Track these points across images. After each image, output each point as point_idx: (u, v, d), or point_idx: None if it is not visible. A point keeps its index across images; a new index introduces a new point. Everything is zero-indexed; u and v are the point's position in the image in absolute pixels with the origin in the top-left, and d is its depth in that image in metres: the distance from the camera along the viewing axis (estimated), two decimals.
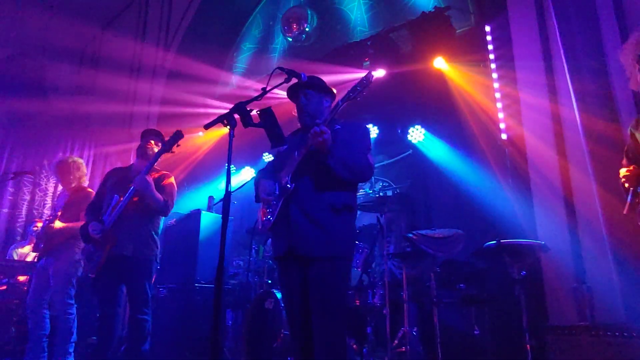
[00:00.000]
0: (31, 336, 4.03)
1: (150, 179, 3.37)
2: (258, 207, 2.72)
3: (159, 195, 3.41)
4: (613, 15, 3.78)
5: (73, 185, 4.31)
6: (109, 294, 3.34)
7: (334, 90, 2.69)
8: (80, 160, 4.47)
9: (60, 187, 7.08)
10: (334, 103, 2.55)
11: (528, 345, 3.10)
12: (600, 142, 3.52)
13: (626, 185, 2.23)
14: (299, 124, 2.71)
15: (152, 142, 3.65)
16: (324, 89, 2.62)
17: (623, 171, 2.25)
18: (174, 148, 3.42)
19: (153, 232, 3.51)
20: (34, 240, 4.26)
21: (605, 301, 3.28)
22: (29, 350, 4.01)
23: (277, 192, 2.46)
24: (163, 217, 3.73)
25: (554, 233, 3.79)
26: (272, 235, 2.56)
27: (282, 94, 6.18)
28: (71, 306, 4.03)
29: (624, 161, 2.38)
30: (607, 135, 3.49)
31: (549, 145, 4.05)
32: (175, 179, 3.73)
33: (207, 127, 2.21)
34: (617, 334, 2.81)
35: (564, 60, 3.98)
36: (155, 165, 3.66)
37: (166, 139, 3.53)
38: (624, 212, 2.25)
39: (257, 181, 2.66)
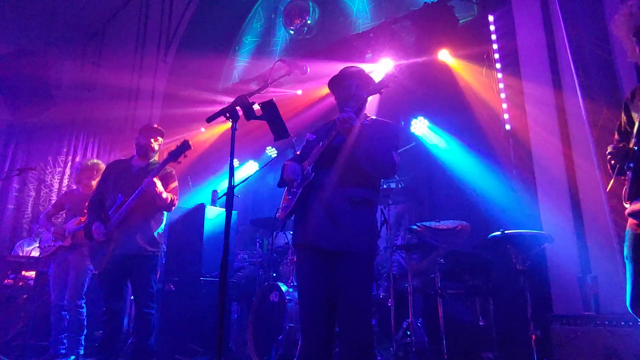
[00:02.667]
0: (53, 333, 4.12)
1: (157, 180, 3.35)
2: (262, 200, 2.73)
3: (166, 195, 3.40)
4: (618, 2, 3.73)
5: (93, 187, 4.33)
6: (115, 289, 3.37)
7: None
8: (102, 164, 4.52)
9: (65, 183, 7.14)
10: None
11: (533, 335, 3.10)
12: (606, 130, 3.50)
13: (612, 162, 2.10)
14: (300, 119, 2.72)
15: (153, 140, 3.61)
16: (369, 81, 2.56)
17: (610, 147, 2.11)
18: (180, 158, 3.37)
19: (157, 229, 3.52)
20: (56, 234, 4.32)
21: (610, 291, 3.27)
22: (52, 344, 4.11)
23: (299, 180, 2.45)
24: (166, 212, 3.74)
25: (559, 223, 3.78)
26: (292, 223, 2.55)
27: (281, 90, 6.22)
28: (82, 300, 4.16)
29: (616, 136, 2.28)
30: (613, 123, 3.46)
31: (553, 136, 4.02)
32: (177, 173, 3.74)
33: (209, 120, 2.21)
34: (622, 323, 2.82)
35: (568, 50, 3.94)
36: (157, 158, 3.68)
37: (171, 141, 3.51)
38: (607, 190, 2.18)
39: (283, 166, 2.65)
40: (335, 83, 2.62)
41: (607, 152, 2.09)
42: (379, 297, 4.05)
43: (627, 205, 2.08)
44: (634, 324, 2.72)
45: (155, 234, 3.50)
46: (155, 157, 3.74)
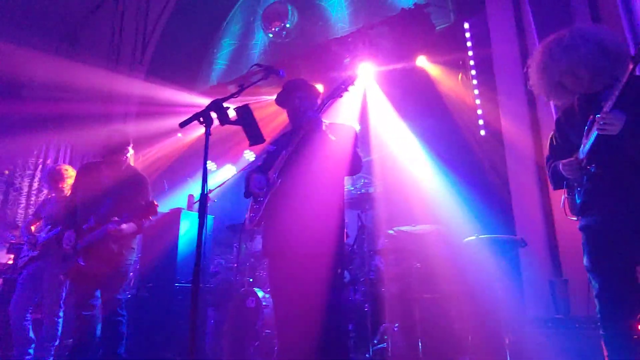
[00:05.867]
0: (16, 344, 4.00)
1: (122, 227, 3.17)
2: (240, 204, 2.73)
3: (134, 229, 3.28)
4: (588, 15, 3.84)
5: (64, 193, 4.23)
6: (85, 296, 3.27)
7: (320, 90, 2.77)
8: (72, 170, 4.38)
9: (35, 187, 6.94)
10: (320, 101, 2.62)
11: (506, 339, 3.15)
12: None
13: (565, 174, 2.12)
14: (278, 124, 2.75)
15: (124, 159, 3.49)
16: (313, 90, 2.69)
17: (564, 162, 2.11)
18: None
19: (130, 243, 3.40)
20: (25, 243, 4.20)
21: (581, 294, 3.34)
22: (17, 356, 4.00)
23: (265, 188, 2.45)
24: None
25: (531, 228, 3.85)
26: (261, 232, 2.56)
27: (259, 96, 6.18)
28: (60, 309, 4.07)
29: (547, 153, 2.36)
30: None
31: (526, 143, 4.11)
32: (154, 176, 3.67)
33: (182, 125, 2.17)
34: (592, 326, 2.88)
35: None
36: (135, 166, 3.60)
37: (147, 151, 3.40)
38: (562, 205, 2.27)
39: (247, 176, 2.65)
40: (283, 98, 2.69)
41: (561, 166, 2.13)
42: (356, 302, 4.05)
43: (573, 218, 2.17)
44: None
45: (130, 245, 3.40)
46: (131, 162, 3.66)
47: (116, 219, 3.13)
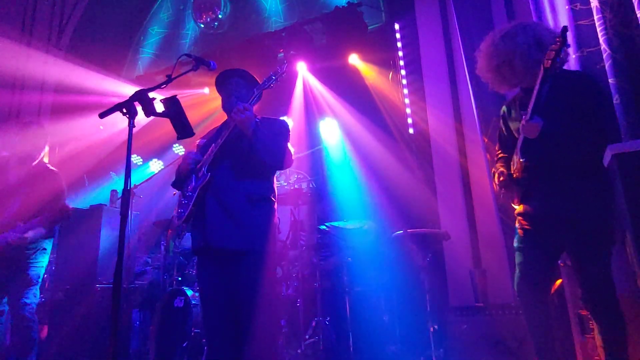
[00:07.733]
0: None
1: (27, 236, 2.98)
2: (167, 200, 2.61)
3: (42, 235, 3.06)
4: (505, 21, 4.11)
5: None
6: None
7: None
8: None
9: None
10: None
11: (431, 328, 3.30)
12: (494, 138, 3.83)
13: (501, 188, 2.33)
14: (210, 118, 2.66)
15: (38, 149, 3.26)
16: (253, 81, 2.60)
17: (499, 177, 2.33)
18: None
19: (41, 241, 3.16)
20: None
21: (498, 283, 3.60)
22: None
23: (194, 183, 2.38)
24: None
25: (455, 221, 4.08)
26: (190, 228, 2.47)
27: (188, 89, 5.94)
28: None
29: (497, 145, 2.53)
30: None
31: (450, 142, 4.33)
32: (72, 169, 3.40)
33: (102, 115, 2.04)
34: (507, 312, 3.11)
35: (464, 61, 4.25)
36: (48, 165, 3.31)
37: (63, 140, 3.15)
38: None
39: (178, 167, 2.55)
40: (219, 82, 2.61)
41: (497, 183, 2.33)
42: (288, 298, 4.05)
43: (515, 206, 2.32)
44: (516, 312, 3.02)
45: (42, 244, 3.12)
46: (45, 159, 3.35)
47: (21, 224, 2.88)
